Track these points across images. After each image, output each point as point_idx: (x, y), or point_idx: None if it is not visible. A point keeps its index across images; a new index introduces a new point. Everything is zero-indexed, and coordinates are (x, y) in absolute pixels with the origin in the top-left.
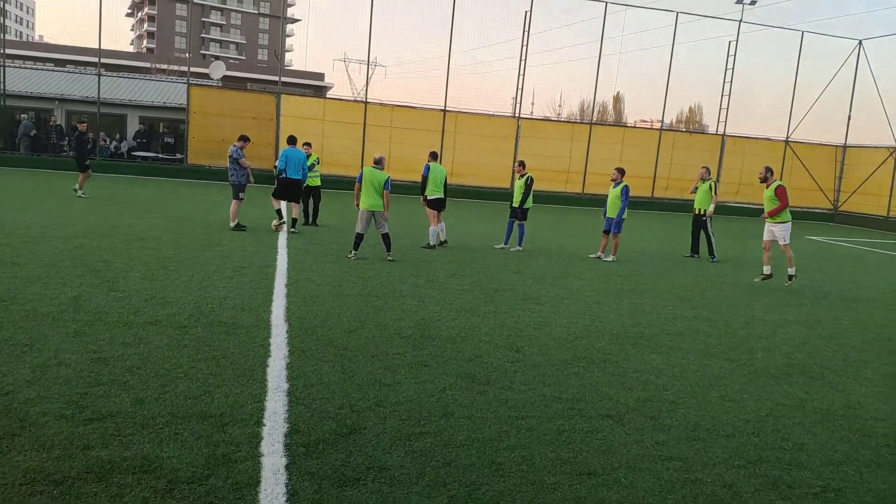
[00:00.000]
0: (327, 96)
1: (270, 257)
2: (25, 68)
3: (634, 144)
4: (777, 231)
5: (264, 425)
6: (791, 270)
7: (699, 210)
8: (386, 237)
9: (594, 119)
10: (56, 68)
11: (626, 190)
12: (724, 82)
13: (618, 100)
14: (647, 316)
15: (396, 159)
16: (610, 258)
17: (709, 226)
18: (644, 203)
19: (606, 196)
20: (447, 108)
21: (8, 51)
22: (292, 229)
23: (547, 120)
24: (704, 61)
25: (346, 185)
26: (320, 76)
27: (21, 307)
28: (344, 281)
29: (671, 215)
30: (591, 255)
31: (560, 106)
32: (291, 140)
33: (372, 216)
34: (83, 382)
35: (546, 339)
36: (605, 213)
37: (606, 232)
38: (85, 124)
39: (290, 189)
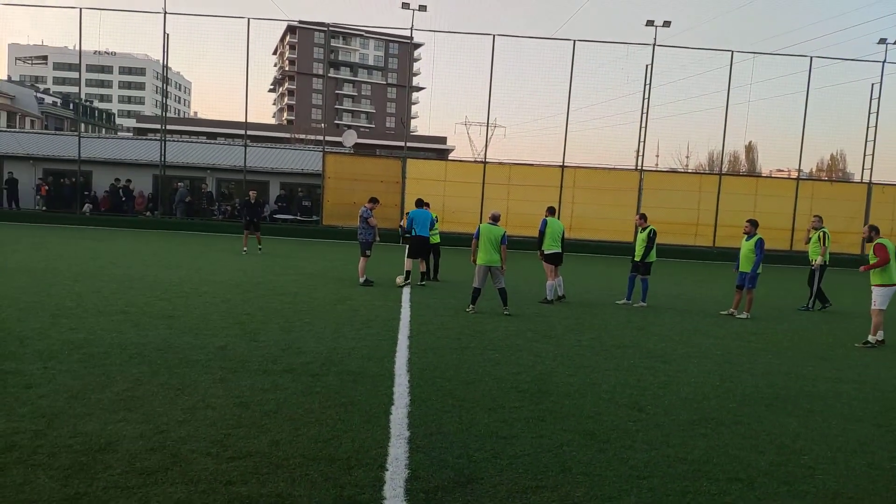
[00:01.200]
0: (449, 158)
1: (395, 311)
2: (182, 142)
3: (769, 195)
4: (873, 293)
5: (387, 470)
6: (871, 338)
7: (812, 261)
8: (503, 292)
9: (724, 169)
10: (208, 141)
11: (760, 243)
12: (867, 127)
13: (750, 149)
14: (783, 376)
15: (514, 216)
16: (744, 315)
17: (816, 277)
18: (781, 257)
19: (739, 249)
20: (565, 164)
21: (168, 126)
22: (421, 282)
23: (673, 171)
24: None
25: (465, 241)
26: (442, 139)
27: (175, 355)
28: (462, 334)
29: None
30: (722, 312)
31: (687, 157)
32: (419, 203)
33: (489, 271)
34: (226, 424)
35: (671, 399)
36: (738, 267)
37: (740, 287)
38: (255, 192)
39: (418, 246)
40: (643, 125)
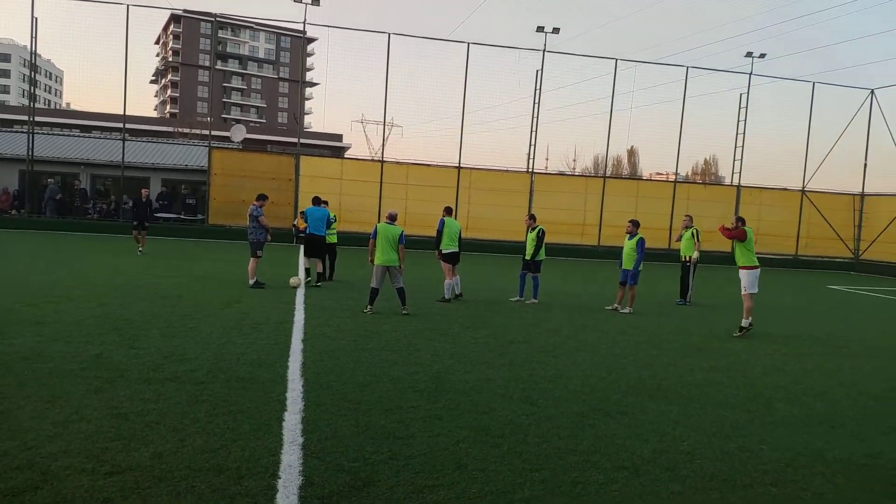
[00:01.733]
0: (345, 156)
1: (287, 313)
2: (53, 134)
3: (649, 197)
4: (741, 277)
5: (279, 478)
6: (744, 321)
7: (685, 257)
8: (401, 291)
9: (608, 173)
10: (82, 134)
11: (641, 242)
12: (736, 133)
13: (632, 153)
14: (664, 368)
15: (413, 215)
16: (627, 310)
17: (691, 272)
18: (660, 255)
19: (622, 248)
20: (461, 165)
21: (37, 118)
22: (316, 283)
23: (561, 174)
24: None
25: (363, 241)
26: (338, 137)
27: (45, 365)
28: (359, 336)
29: None
30: (607, 308)
31: (574, 161)
32: (316, 200)
33: (387, 271)
34: (104, 437)
35: (561, 392)
36: (622, 264)
37: (623, 284)
38: (147, 190)
39: (311, 245)
40: (534, 129)
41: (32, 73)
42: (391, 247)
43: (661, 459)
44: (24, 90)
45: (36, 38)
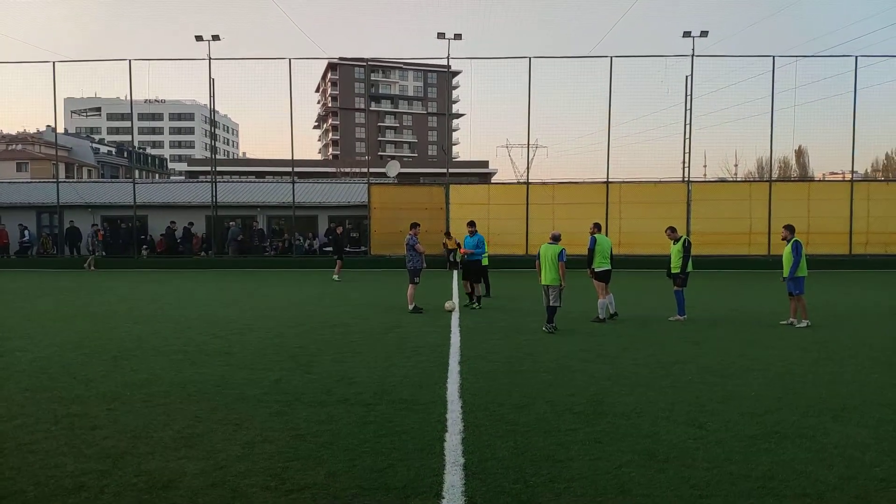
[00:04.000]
0: (492, 181)
1: (444, 336)
2: (232, 182)
3: (823, 199)
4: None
5: (443, 498)
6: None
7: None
8: (552, 309)
9: (774, 176)
10: (257, 180)
11: (796, 246)
12: None
13: (800, 153)
14: (848, 385)
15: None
16: (803, 324)
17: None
18: (841, 261)
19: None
20: (610, 180)
21: (218, 168)
22: (472, 305)
23: (722, 181)
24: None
25: (512, 263)
26: (484, 163)
27: (233, 391)
28: (513, 357)
29: (873, 273)
30: (782, 322)
31: (735, 165)
32: (471, 225)
33: (548, 289)
34: (284, 457)
35: (731, 414)
36: (784, 274)
37: (791, 294)
38: (341, 228)
39: (468, 268)
40: (687, 136)
41: (212, 128)
42: (552, 266)
43: (850, 487)
44: (206, 144)
45: (214, 97)
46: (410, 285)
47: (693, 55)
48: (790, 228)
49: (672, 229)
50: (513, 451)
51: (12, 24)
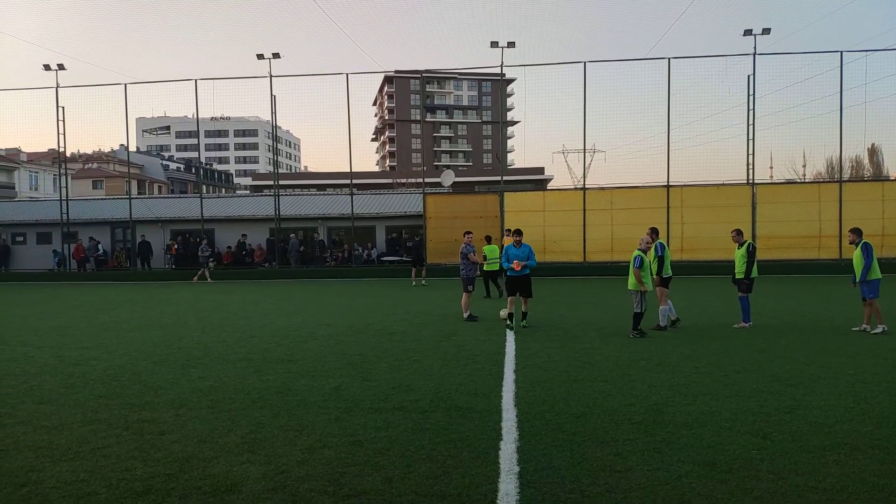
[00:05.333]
0: (548, 188)
1: (499, 345)
2: (294, 195)
3: None
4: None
5: None
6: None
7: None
8: (637, 316)
9: (845, 176)
10: (318, 192)
11: (865, 248)
12: None
13: (874, 152)
14: None
15: (619, 241)
16: (878, 329)
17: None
18: None
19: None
20: (670, 184)
21: (280, 182)
22: (523, 323)
23: (789, 183)
24: None
25: (569, 270)
26: (540, 170)
27: (294, 397)
28: (570, 366)
29: None
30: (854, 329)
31: (803, 166)
32: (517, 232)
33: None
34: (342, 462)
35: (799, 424)
36: (855, 279)
37: (864, 300)
38: (418, 238)
39: (516, 284)
40: (750, 137)
41: (274, 143)
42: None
43: None
44: (269, 159)
45: (275, 114)
46: (465, 294)
47: (755, 53)
48: (857, 231)
49: (738, 232)
50: (569, 460)
51: (86, 49)
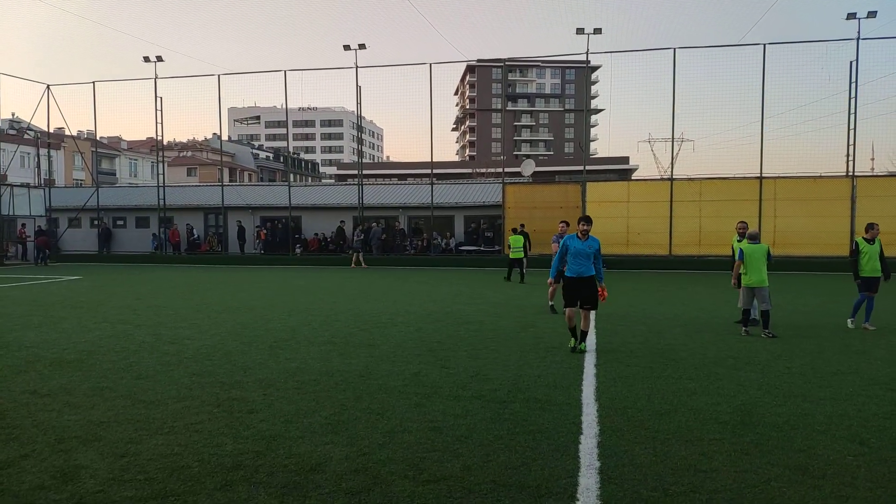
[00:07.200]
0: (632, 178)
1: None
2: (377, 184)
3: None
4: None
5: (578, 500)
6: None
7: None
8: (765, 314)
9: None
10: (399, 182)
11: None
12: None
13: None
14: None
15: (707, 234)
16: None
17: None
18: None
19: None
20: (763, 175)
21: (364, 171)
22: (581, 346)
23: (893, 175)
24: None
25: (654, 264)
26: (625, 160)
27: (375, 381)
28: (654, 362)
29: None
30: None
31: None
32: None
33: (755, 291)
34: (422, 448)
35: None
36: None
37: None
38: (523, 223)
39: (577, 289)
40: (851, 127)
41: (359, 133)
42: (762, 266)
43: None
44: (353, 149)
45: (360, 104)
46: (550, 286)
47: (858, 38)
48: None
49: (870, 225)
50: (652, 457)
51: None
